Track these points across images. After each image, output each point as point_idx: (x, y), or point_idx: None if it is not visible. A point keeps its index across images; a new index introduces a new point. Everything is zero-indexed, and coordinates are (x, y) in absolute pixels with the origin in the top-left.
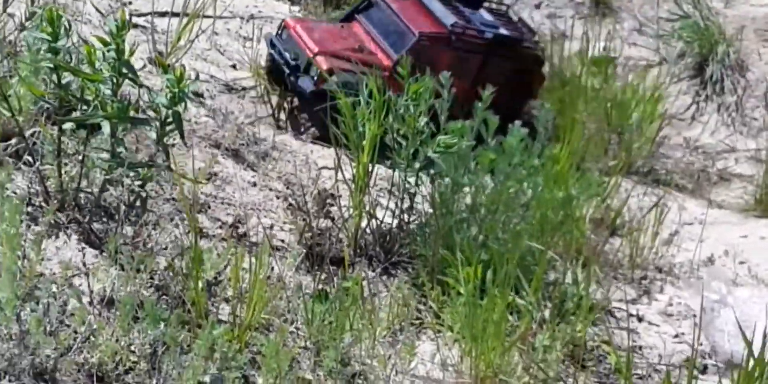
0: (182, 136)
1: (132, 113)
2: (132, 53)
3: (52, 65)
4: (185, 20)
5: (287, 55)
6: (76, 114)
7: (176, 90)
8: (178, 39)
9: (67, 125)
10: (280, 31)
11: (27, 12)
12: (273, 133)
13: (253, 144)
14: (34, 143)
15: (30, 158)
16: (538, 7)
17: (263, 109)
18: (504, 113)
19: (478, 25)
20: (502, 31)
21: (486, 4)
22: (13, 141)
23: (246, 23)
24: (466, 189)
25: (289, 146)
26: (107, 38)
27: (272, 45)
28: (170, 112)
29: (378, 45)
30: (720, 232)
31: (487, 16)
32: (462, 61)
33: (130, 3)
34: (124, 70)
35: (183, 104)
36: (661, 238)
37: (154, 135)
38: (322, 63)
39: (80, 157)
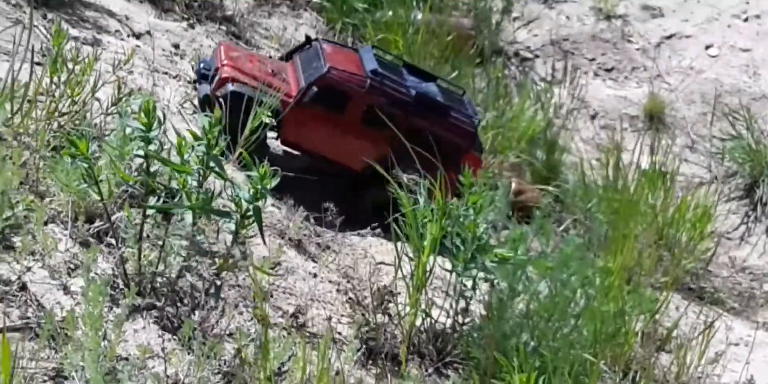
0: (261, 232)
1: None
2: (221, 150)
3: (143, 153)
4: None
5: (201, 66)
6: (160, 200)
7: (259, 187)
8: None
9: (151, 211)
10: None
11: (114, 97)
12: (337, 226)
13: (315, 235)
14: (116, 225)
15: (113, 240)
16: (593, 117)
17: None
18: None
19: (409, 85)
20: (436, 97)
21: (441, 82)
22: (97, 222)
23: None
24: (521, 295)
25: (348, 240)
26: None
27: (198, 62)
28: (251, 206)
29: (295, 76)
30: (766, 355)
31: (431, 87)
32: (384, 113)
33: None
34: (212, 164)
35: (264, 200)
36: (707, 357)
37: (232, 226)
38: (224, 72)
39: (160, 242)
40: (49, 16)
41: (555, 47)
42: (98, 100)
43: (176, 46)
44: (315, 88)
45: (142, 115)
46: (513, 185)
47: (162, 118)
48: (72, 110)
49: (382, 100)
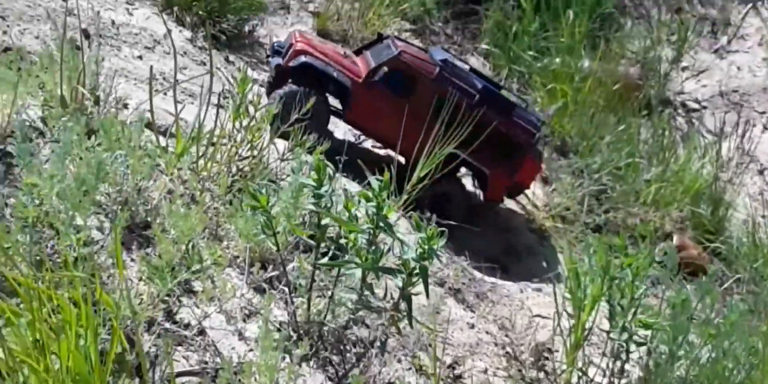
0: (426, 290)
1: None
2: (390, 209)
3: (314, 209)
4: None
5: (275, 44)
6: (330, 253)
7: (427, 247)
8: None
9: (318, 262)
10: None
11: (289, 145)
12: (497, 275)
13: (474, 284)
14: (289, 274)
15: (285, 288)
16: (761, 172)
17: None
18: (475, 173)
19: (478, 84)
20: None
21: (505, 92)
22: (271, 269)
23: None
24: (681, 360)
25: (506, 289)
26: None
27: (271, 46)
28: (418, 266)
29: (365, 61)
30: None
31: (492, 87)
32: (444, 102)
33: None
34: (381, 224)
35: (431, 260)
36: None
37: (399, 283)
38: (298, 46)
39: (329, 294)
40: (231, 57)
41: (724, 99)
42: (275, 145)
43: None
44: (385, 68)
45: (314, 171)
46: (675, 240)
47: (332, 176)
48: (251, 155)
49: (450, 89)
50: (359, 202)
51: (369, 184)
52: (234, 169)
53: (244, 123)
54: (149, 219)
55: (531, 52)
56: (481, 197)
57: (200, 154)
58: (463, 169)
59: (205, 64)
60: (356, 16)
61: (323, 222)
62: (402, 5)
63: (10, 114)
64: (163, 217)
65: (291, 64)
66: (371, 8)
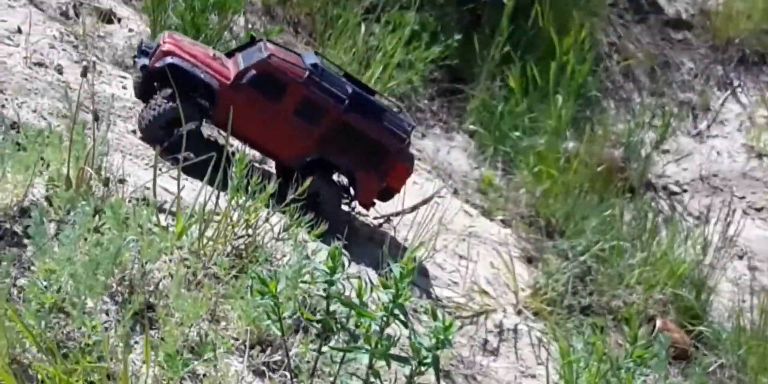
0: (438, 380)
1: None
2: (407, 298)
3: (325, 294)
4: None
5: (144, 45)
6: (338, 337)
7: (442, 337)
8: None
9: (326, 346)
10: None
11: (285, 223)
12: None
13: (463, 365)
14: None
15: (286, 372)
16: (741, 258)
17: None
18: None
19: (348, 89)
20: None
21: (379, 97)
22: (269, 351)
23: (462, 242)
24: None
25: (495, 372)
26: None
27: (140, 42)
28: (430, 354)
29: (236, 63)
30: None
31: (368, 95)
32: (314, 106)
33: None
34: (397, 312)
35: (444, 349)
36: None
37: (407, 371)
38: (164, 46)
39: (332, 379)
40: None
41: (705, 183)
42: (271, 224)
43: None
44: (253, 71)
45: (329, 260)
46: (658, 323)
47: (346, 264)
48: (246, 234)
49: (318, 93)
50: (368, 286)
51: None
52: (229, 248)
53: (241, 202)
54: (152, 301)
55: (517, 133)
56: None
57: (201, 233)
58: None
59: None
60: None
61: (332, 308)
62: (389, 83)
63: (21, 195)
64: (166, 298)
65: (157, 64)
66: None
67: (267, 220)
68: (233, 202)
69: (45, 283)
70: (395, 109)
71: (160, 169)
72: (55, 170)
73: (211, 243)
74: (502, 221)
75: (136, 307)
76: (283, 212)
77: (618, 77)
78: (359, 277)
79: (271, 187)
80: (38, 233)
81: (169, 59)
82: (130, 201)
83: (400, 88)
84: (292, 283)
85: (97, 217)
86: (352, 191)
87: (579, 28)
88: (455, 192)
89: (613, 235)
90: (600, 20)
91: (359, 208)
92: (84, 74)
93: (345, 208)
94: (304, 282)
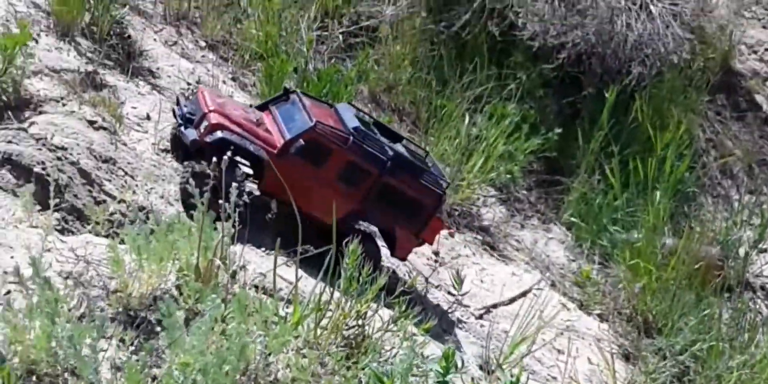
0: None
1: None
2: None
3: None
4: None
5: (185, 109)
6: None
7: None
8: (511, 352)
9: None
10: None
11: (396, 313)
12: None
13: None
14: None
15: None
16: None
17: None
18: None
19: (388, 151)
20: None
21: (407, 143)
22: None
23: (560, 336)
24: None
25: None
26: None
27: (177, 102)
28: None
29: (277, 127)
30: None
31: (400, 148)
32: (356, 170)
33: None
34: None
35: None
36: None
37: None
38: (212, 118)
39: None
40: None
41: None
42: (380, 316)
43: (436, 253)
44: (301, 141)
45: (443, 360)
46: None
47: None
48: (357, 324)
49: (361, 158)
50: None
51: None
52: (339, 339)
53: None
54: None
55: (615, 227)
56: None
57: (317, 323)
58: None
59: None
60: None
61: None
62: (490, 173)
63: (155, 284)
64: None
65: (207, 139)
66: (462, 175)
67: (377, 311)
68: (345, 293)
69: (179, 376)
70: (423, 154)
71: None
72: (185, 260)
73: (325, 333)
74: (599, 316)
75: None
76: (391, 305)
77: (716, 174)
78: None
79: (383, 279)
80: (170, 325)
81: (219, 134)
82: (250, 288)
83: (500, 179)
84: (403, 379)
85: (223, 306)
86: (387, 246)
87: (677, 123)
88: (553, 284)
89: (712, 335)
90: (698, 116)
91: (460, 298)
92: (215, 166)
93: (447, 298)
94: (415, 375)
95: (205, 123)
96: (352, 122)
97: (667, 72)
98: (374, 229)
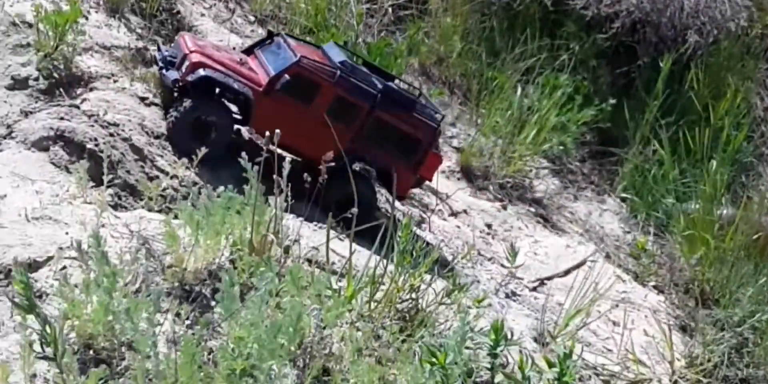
0: None
1: None
2: (572, 378)
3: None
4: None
5: (165, 53)
6: None
7: None
8: (566, 325)
9: None
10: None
11: (447, 288)
12: None
13: None
14: None
15: None
16: None
17: None
18: (381, 175)
19: (377, 84)
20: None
21: (399, 82)
22: None
23: (615, 308)
24: None
25: None
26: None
27: (158, 48)
28: None
29: (262, 66)
30: None
31: (392, 85)
32: (346, 105)
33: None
34: None
35: None
36: None
37: None
38: (194, 58)
39: None
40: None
41: None
42: (434, 289)
43: (489, 226)
44: (287, 76)
45: (492, 332)
46: None
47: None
48: (410, 298)
49: (350, 92)
50: (529, 360)
51: None
52: (393, 312)
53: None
54: (328, 366)
55: (670, 199)
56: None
57: (371, 297)
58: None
59: None
60: (499, 153)
61: (496, 380)
62: (542, 145)
63: (210, 259)
64: (340, 363)
65: (190, 78)
66: (514, 147)
67: (430, 284)
68: (399, 266)
69: (235, 349)
70: (416, 93)
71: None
72: (238, 234)
73: (379, 306)
74: (655, 287)
75: (314, 373)
76: (445, 277)
77: None
78: (521, 352)
79: (435, 253)
80: (228, 298)
81: (201, 72)
82: (303, 262)
83: (552, 150)
84: (457, 352)
85: (276, 280)
86: (382, 185)
87: (734, 92)
88: (607, 256)
89: None
90: (755, 84)
91: (514, 270)
92: (267, 143)
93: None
94: (468, 348)
95: (186, 63)
96: (339, 57)
97: (724, 40)
98: (370, 169)
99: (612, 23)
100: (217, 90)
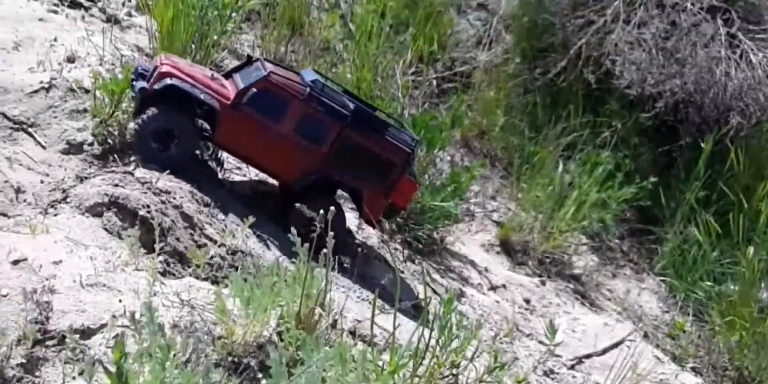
0: None
1: None
2: None
3: None
4: None
5: (140, 68)
6: None
7: None
8: None
9: None
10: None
11: (489, 365)
12: None
13: None
14: None
15: None
16: None
17: None
18: (354, 196)
19: (350, 104)
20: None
21: (380, 114)
22: None
23: None
24: None
25: None
26: None
27: (135, 67)
28: None
29: (234, 83)
30: None
31: (363, 106)
32: (316, 123)
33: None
34: None
35: None
36: None
37: None
38: (163, 68)
39: None
40: (415, 263)
41: None
42: (475, 366)
43: (527, 301)
44: (254, 90)
45: None
46: None
47: None
48: (450, 373)
49: (319, 110)
50: None
51: None
52: None
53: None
54: None
55: (708, 282)
56: (358, 219)
57: (414, 372)
58: (339, 191)
59: (394, 270)
60: (538, 228)
61: None
62: (582, 222)
63: (258, 331)
64: None
65: (156, 86)
66: (554, 222)
67: (471, 360)
68: (441, 341)
69: None
70: (397, 125)
71: (381, 311)
72: (286, 306)
73: (421, 381)
74: (694, 369)
75: None
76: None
77: None
78: None
79: (477, 331)
80: (277, 374)
81: (168, 80)
82: (347, 336)
83: (592, 227)
84: None
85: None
86: (356, 209)
87: None
88: (645, 336)
89: None
90: None
91: (552, 348)
92: (321, 219)
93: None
94: None
95: (155, 73)
96: (311, 76)
97: (766, 122)
98: (341, 192)
99: (655, 102)
100: (183, 99)
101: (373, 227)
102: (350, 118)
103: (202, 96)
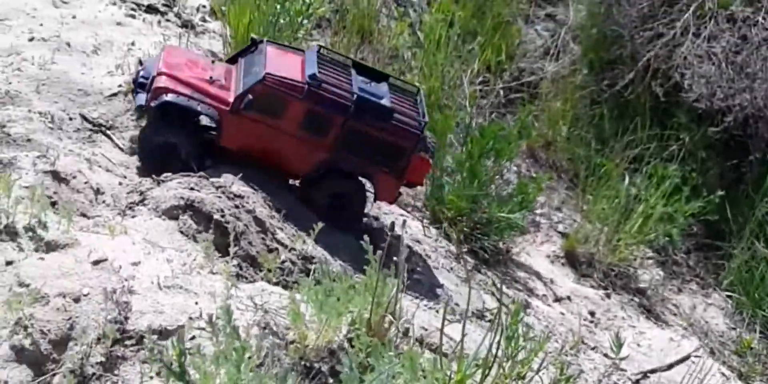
0: None
1: None
2: None
3: None
4: None
5: (142, 72)
6: None
7: None
8: None
9: None
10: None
11: (555, 378)
12: None
13: None
14: None
15: None
16: None
17: None
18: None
19: (353, 87)
20: (382, 101)
21: (394, 80)
22: None
23: None
24: None
25: None
26: None
27: (140, 63)
28: None
29: (236, 82)
30: None
31: (380, 88)
32: (319, 118)
33: None
34: None
35: None
36: None
37: None
38: (158, 82)
39: None
40: (482, 273)
41: None
42: (540, 378)
43: (592, 314)
44: (250, 96)
45: None
46: None
47: None
48: None
49: (321, 106)
50: None
51: None
52: None
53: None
54: None
55: None
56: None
57: (482, 382)
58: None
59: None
60: (604, 241)
61: None
62: (648, 235)
63: (330, 338)
64: None
65: (153, 104)
66: (619, 235)
67: (538, 372)
68: (508, 352)
69: None
70: (414, 91)
71: (450, 320)
72: (357, 313)
73: None
74: None
75: None
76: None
77: None
78: None
79: (544, 342)
80: (348, 380)
81: (164, 97)
82: (415, 344)
83: (658, 240)
84: None
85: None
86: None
87: None
88: (711, 352)
89: None
90: None
91: (618, 362)
92: (391, 229)
93: None
94: None
95: (152, 87)
96: (310, 69)
97: None
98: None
99: (724, 116)
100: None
101: (390, 204)
102: (353, 108)
103: (199, 108)
